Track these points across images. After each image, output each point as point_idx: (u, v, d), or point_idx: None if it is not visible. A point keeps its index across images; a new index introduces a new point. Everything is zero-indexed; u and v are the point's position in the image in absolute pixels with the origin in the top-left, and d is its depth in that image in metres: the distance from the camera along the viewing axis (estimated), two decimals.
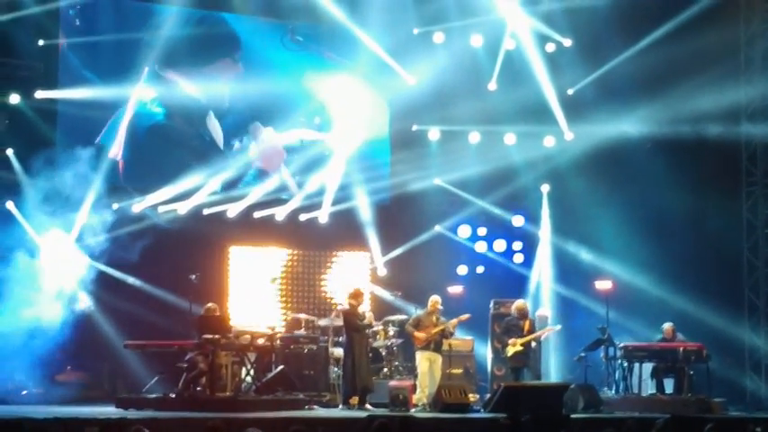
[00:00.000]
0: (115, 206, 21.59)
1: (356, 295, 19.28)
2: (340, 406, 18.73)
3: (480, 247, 24.98)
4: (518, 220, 25.00)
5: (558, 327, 21.19)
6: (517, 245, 25.19)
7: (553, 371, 22.35)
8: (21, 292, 19.90)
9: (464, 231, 24.93)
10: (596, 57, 23.71)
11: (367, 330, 19.15)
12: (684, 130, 22.40)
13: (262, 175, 23.16)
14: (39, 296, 20.05)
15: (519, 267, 24.92)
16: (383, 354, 20.49)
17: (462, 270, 24.66)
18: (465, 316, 19.43)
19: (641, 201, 23.37)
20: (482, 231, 25.09)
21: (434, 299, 19.29)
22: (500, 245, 25.07)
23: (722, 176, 23.21)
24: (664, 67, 22.36)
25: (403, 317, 20.84)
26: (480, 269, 24.93)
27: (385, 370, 20.36)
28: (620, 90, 23.52)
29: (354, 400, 18.61)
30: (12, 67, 21.39)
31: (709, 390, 19.51)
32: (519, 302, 20.19)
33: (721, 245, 22.99)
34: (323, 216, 23.47)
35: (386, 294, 22.84)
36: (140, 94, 22.16)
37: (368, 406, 18.41)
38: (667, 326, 20.35)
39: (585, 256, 23.79)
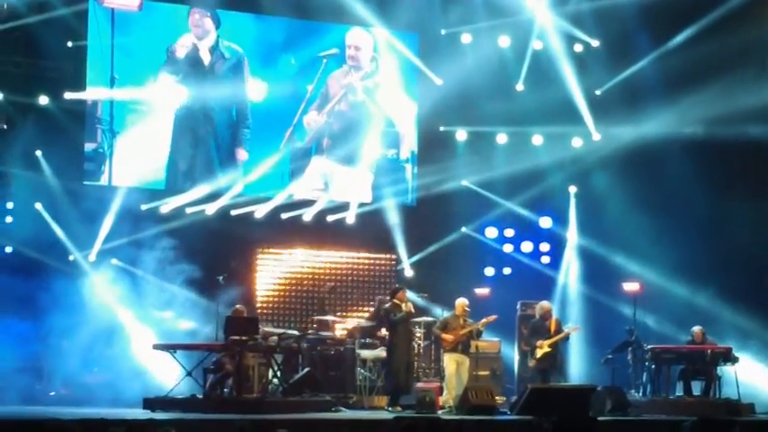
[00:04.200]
0: (144, 207, 21.70)
1: (395, 292, 19.33)
2: (389, 408, 18.69)
3: (507, 248, 24.91)
4: (545, 222, 24.95)
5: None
6: (544, 246, 25.12)
7: (580, 373, 22.27)
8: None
9: (491, 233, 24.87)
10: (624, 57, 23.64)
11: (411, 326, 19.19)
12: (713, 130, 22.33)
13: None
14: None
15: (546, 269, 24.83)
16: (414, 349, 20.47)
17: (489, 271, 24.63)
18: (492, 317, 19.42)
19: (669, 202, 23.26)
20: (509, 233, 25.03)
21: (462, 301, 19.29)
22: (527, 246, 24.98)
23: (751, 177, 23.09)
24: (692, 67, 22.23)
25: (430, 319, 20.82)
26: (507, 270, 24.89)
27: (416, 344, 20.33)
28: (647, 91, 23.44)
29: (382, 399, 18.67)
30: (40, 69, 21.51)
31: (737, 392, 19.41)
32: (543, 304, 20.17)
33: (749, 246, 22.86)
34: (350, 217, 23.48)
35: (413, 296, 22.79)
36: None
37: (398, 408, 18.39)
38: (697, 329, 20.21)
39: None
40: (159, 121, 22.26)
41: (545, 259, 24.97)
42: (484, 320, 19.23)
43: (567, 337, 20.01)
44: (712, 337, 20.27)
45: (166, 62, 22.35)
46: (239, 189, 22.51)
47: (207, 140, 22.68)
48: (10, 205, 21.20)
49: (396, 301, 19.06)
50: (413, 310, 19.22)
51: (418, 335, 20.68)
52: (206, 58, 22.63)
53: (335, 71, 23.65)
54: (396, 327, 18.83)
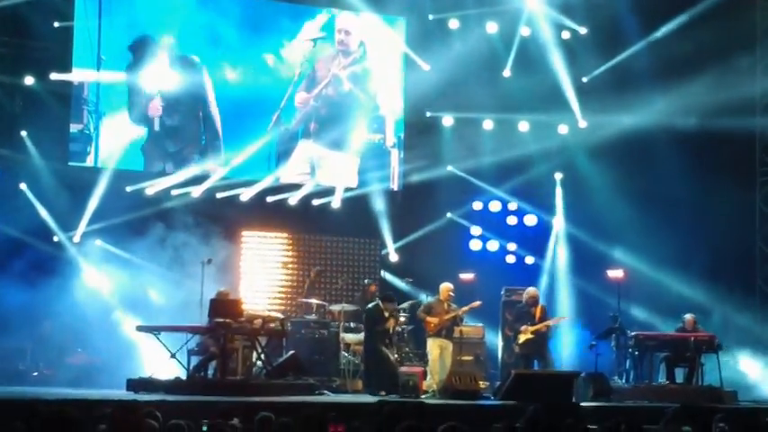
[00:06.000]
0: (129, 189, 21.65)
1: (384, 299, 19.33)
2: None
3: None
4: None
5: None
6: (530, 232, 25.09)
7: (564, 359, 22.33)
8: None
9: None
10: (611, 45, 23.65)
11: (391, 337, 19.24)
12: (699, 120, 22.38)
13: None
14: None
15: (531, 255, 24.86)
16: (394, 340, 20.50)
17: (474, 256, 24.57)
18: (476, 303, 19.50)
19: (654, 190, 23.28)
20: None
21: (446, 286, 19.34)
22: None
23: (736, 167, 23.16)
24: (679, 57, 22.27)
25: (414, 303, 20.83)
26: (493, 252, 24.85)
27: (395, 356, 20.38)
28: (634, 79, 23.44)
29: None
30: (27, 49, 21.42)
31: (720, 380, 19.49)
32: (530, 290, 20.21)
33: (734, 235, 22.94)
34: (336, 202, 23.44)
35: (397, 281, 22.84)
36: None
37: (382, 392, 18.44)
38: (689, 317, 20.26)
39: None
40: (141, 105, 22.21)
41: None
42: (465, 307, 19.33)
43: (551, 326, 20.02)
44: (701, 326, 20.33)
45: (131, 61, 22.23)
46: (222, 173, 22.46)
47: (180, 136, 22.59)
48: None
49: (381, 306, 19.04)
50: (392, 325, 19.28)
51: (402, 319, 20.67)
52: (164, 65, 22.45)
53: (323, 55, 23.59)
54: (374, 334, 18.93)
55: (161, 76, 22.22)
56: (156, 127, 22.29)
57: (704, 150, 22.81)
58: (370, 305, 19.42)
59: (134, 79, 22.00)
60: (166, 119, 22.38)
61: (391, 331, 19.22)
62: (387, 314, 18.99)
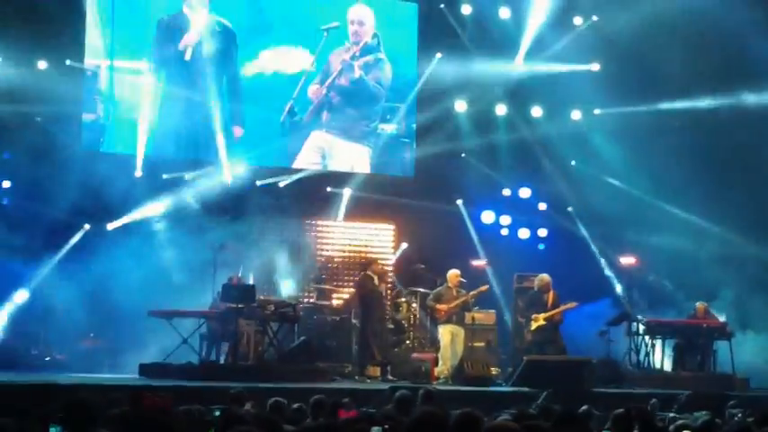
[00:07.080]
0: (138, 174, 21.61)
1: (369, 264, 19.48)
2: (356, 377, 18.82)
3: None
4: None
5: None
6: (543, 211, 25.00)
7: (576, 345, 22.33)
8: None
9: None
10: (625, 31, 23.53)
11: (383, 302, 19.34)
12: (715, 102, 22.31)
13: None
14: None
15: (543, 242, 24.85)
16: (405, 326, 20.55)
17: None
18: (483, 287, 19.60)
19: (669, 175, 23.22)
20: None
21: (454, 272, 19.41)
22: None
23: (751, 149, 23.06)
24: (695, 37, 22.15)
25: (425, 289, 20.84)
26: (505, 235, 24.83)
27: (407, 342, 20.43)
28: (649, 63, 23.34)
29: (375, 370, 18.76)
30: (41, 35, 21.36)
31: (732, 366, 19.49)
32: (542, 276, 20.17)
33: (747, 218, 22.88)
34: (348, 188, 23.38)
35: (409, 266, 22.83)
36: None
37: (390, 377, 18.50)
38: (700, 304, 20.28)
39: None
40: (154, 92, 22.12)
41: (542, 232, 24.95)
42: (474, 291, 19.41)
43: (563, 312, 20.01)
44: (715, 313, 20.33)
45: (156, 36, 22.19)
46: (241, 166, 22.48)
47: (198, 115, 22.42)
48: None
49: (369, 273, 19.13)
50: (379, 290, 19.37)
51: (414, 305, 20.69)
52: (196, 32, 22.36)
53: (338, 48, 23.46)
54: (368, 301, 18.98)
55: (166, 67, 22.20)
56: (188, 56, 22.16)
57: (718, 133, 22.66)
58: (359, 277, 19.55)
59: (147, 68, 21.99)
60: (199, 52, 22.19)
61: (384, 294, 19.39)
62: (375, 278, 19.12)
